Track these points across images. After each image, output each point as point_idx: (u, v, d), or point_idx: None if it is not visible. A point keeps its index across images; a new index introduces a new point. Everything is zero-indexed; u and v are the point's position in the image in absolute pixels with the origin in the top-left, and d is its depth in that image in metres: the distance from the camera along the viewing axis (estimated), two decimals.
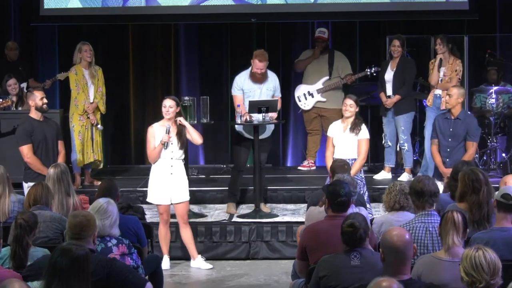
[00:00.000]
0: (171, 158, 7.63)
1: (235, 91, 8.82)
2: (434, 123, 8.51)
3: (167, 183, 7.64)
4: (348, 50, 10.88)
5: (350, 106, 8.01)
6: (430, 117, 9.40)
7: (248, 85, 8.71)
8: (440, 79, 9.39)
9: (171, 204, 7.75)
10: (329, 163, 8.02)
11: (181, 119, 7.62)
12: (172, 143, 7.59)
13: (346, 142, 7.98)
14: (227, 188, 9.05)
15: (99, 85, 9.48)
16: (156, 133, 7.63)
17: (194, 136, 7.69)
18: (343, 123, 8.07)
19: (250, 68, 8.71)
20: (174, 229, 8.07)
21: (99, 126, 9.46)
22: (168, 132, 7.55)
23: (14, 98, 9.48)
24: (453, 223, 4.68)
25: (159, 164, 7.65)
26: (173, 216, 7.94)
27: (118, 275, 4.50)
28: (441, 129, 8.36)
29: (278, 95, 8.81)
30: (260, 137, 8.62)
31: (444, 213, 4.81)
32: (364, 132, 8.01)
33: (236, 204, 8.93)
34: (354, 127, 7.97)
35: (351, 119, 8.01)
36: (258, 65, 8.59)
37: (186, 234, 7.81)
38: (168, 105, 7.59)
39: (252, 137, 8.67)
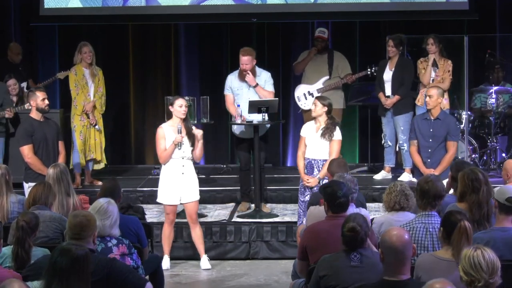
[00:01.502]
0: (182, 158, 7.62)
1: (225, 90, 8.88)
2: (413, 124, 8.53)
3: (178, 183, 7.63)
4: (348, 50, 10.87)
5: (315, 105, 7.92)
6: None
7: (236, 84, 8.74)
8: (431, 79, 9.40)
9: (180, 203, 7.76)
10: (300, 163, 7.97)
11: (199, 134, 7.60)
12: (183, 143, 7.59)
13: (318, 143, 7.87)
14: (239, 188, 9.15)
15: (99, 85, 9.49)
16: (166, 133, 7.61)
17: (199, 154, 7.67)
18: (316, 123, 8.00)
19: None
20: (175, 229, 8.07)
21: (97, 126, 9.46)
22: (180, 132, 7.54)
23: (15, 99, 9.48)
24: (466, 237, 4.60)
25: (170, 165, 7.63)
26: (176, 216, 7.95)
27: (118, 275, 4.50)
28: (421, 130, 8.39)
29: (268, 88, 8.75)
30: (249, 136, 8.69)
31: (454, 219, 4.72)
32: (337, 134, 7.94)
33: (249, 203, 8.94)
34: (328, 130, 7.86)
35: (324, 120, 7.93)
36: (242, 59, 8.60)
37: (195, 233, 7.81)
38: (184, 104, 7.60)
39: (245, 137, 8.69)
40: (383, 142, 9.87)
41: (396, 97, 9.54)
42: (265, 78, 8.77)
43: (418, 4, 10.72)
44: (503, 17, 11.11)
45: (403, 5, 10.70)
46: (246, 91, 8.69)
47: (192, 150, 7.63)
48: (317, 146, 7.87)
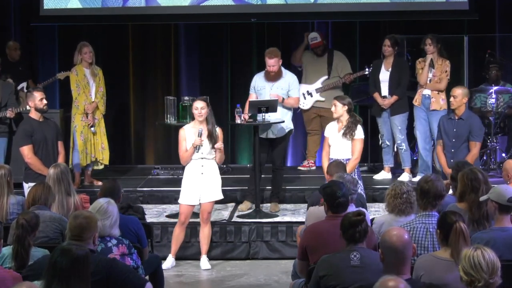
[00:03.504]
0: (202, 158, 7.65)
1: (250, 89, 8.90)
2: (439, 124, 8.55)
3: (198, 183, 7.67)
4: (348, 50, 10.88)
5: (334, 106, 8.00)
6: (418, 117, 9.44)
7: (260, 83, 8.78)
8: (428, 79, 9.41)
9: (200, 203, 7.77)
10: (324, 163, 8.03)
11: (220, 146, 7.62)
12: (202, 146, 7.61)
13: (341, 142, 7.96)
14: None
15: (100, 85, 9.49)
16: (187, 135, 7.64)
17: (218, 158, 7.71)
18: (338, 123, 8.06)
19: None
20: (173, 229, 8.08)
21: (92, 129, 9.43)
22: (200, 135, 7.56)
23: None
24: (464, 238, 4.60)
25: (191, 165, 7.69)
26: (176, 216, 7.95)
27: (118, 275, 4.51)
28: (445, 130, 8.41)
29: (293, 95, 8.79)
30: (271, 136, 8.73)
31: (449, 221, 4.71)
32: (359, 132, 7.99)
33: (251, 203, 8.91)
34: (349, 129, 7.94)
35: (346, 119, 7.98)
36: (269, 62, 8.63)
37: (203, 232, 7.86)
38: (200, 107, 7.61)
39: (265, 137, 8.71)
40: (380, 142, 9.88)
41: (394, 98, 9.55)
42: (289, 81, 8.75)
43: (418, 4, 10.72)
44: (503, 17, 11.10)
45: (403, 5, 10.69)
46: (269, 91, 8.72)
47: (215, 151, 7.66)
48: (340, 146, 7.97)
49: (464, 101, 8.38)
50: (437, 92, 9.28)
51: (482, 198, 5.48)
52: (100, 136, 9.54)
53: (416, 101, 9.47)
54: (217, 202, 9.08)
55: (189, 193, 7.70)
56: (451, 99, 8.42)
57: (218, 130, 7.74)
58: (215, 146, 7.62)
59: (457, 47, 9.81)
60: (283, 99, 8.70)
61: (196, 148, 7.59)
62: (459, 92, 8.35)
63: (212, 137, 7.63)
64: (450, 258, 4.59)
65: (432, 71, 9.39)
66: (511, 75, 10.71)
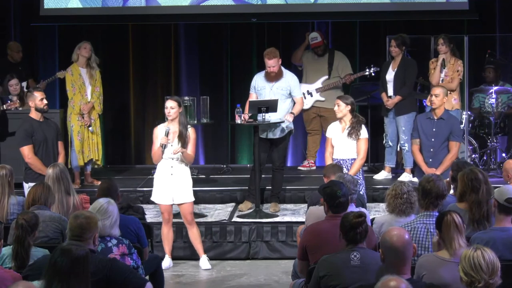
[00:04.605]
0: (172, 159, 7.63)
1: (250, 89, 8.89)
2: (416, 123, 8.53)
3: (168, 183, 7.64)
4: (348, 50, 10.88)
5: (337, 105, 7.98)
6: None
7: (260, 83, 8.77)
8: (441, 79, 9.41)
9: (174, 204, 7.75)
10: (328, 163, 8.03)
11: (178, 151, 7.52)
12: (171, 145, 7.58)
13: (345, 143, 7.96)
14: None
15: (96, 85, 9.48)
16: (159, 134, 7.64)
17: (186, 159, 7.63)
18: (341, 123, 8.05)
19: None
20: (174, 229, 8.07)
21: (90, 128, 9.43)
22: (166, 134, 7.55)
23: (15, 98, 9.47)
24: (455, 227, 4.64)
25: (161, 164, 7.67)
26: (176, 215, 7.94)
27: (118, 275, 4.51)
28: (424, 129, 8.39)
29: (296, 95, 8.77)
30: (272, 136, 8.74)
31: (442, 216, 4.76)
32: (364, 132, 8.00)
33: (251, 203, 8.90)
34: (354, 129, 7.94)
35: (349, 119, 7.98)
36: (268, 63, 8.61)
37: (192, 234, 7.83)
38: (170, 106, 7.58)
39: (265, 137, 8.71)
40: (384, 142, 9.89)
41: (398, 98, 9.53)
42: (289, 82, 8.71)
43: (418, 4, 10.72)
44: (503, 17, 11.11)
45: (403, 5, 10.70)
46: (269, 91, 8.71)
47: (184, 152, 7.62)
48: (345, 146, 7.95)
49: (444, 100, 8.37)
50: (449, 91, 9.26)
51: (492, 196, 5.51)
52: (96, 136, 9.53)
53: (429, 101, 9.46)
54: (216, 202, 9.15)
55: (161, 192, 7.67)
56: (433, 98, 8.39)
57: (191, 131, 7.65)
58: (173, 151, 7.54)
59: (457, 47, 9.78)
60: (292, 113, 8.69)
61: (162, 146, 7.57)
62: (440, 91, 8.35)
63: (181, 138, 7.57)
64: (453, 259, 4.59)
65: (444, 71, 9.39)
66: (510, 75, 10.71)
